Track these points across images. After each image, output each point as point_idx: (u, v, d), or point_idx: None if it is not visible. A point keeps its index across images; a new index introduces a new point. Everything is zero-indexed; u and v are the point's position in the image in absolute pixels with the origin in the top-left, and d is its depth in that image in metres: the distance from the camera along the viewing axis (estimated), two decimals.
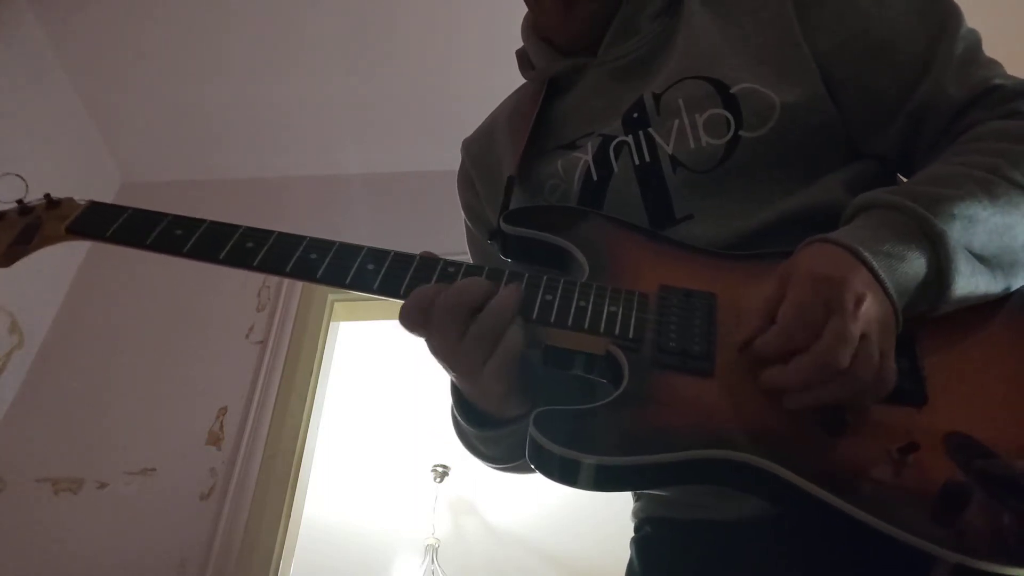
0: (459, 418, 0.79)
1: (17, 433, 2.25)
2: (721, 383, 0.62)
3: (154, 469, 2.16)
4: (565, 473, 0.58)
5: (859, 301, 0.57)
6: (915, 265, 0.61)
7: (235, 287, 2.46)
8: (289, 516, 2.12)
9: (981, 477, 0.53)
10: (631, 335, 0.65)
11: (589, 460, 0.56)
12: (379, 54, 2.55)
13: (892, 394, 0.59)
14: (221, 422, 2.23)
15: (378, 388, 3.38)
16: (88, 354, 2.40)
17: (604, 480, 0.58)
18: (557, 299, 0.67)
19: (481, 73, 2.48)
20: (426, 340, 0.68)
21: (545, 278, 0.69)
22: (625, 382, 0.62)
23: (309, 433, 2.26)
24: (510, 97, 1.02)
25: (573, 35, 0.90)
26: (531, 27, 0.97)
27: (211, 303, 2.43)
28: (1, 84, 2.33)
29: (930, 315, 0.63)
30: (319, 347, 2.40)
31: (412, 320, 0.67)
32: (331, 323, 2.49)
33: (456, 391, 0.78)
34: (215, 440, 2.20)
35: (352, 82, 2.62)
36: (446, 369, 0.71)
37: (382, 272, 0.70)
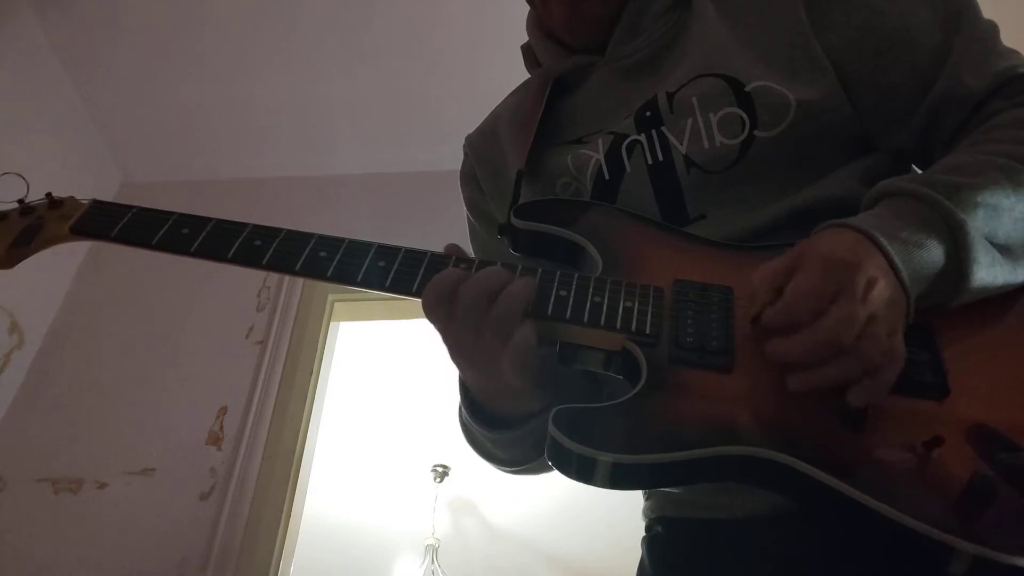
0: (470, 422, 0.78)
1: (17, 433, 2.24)
2: (740, 378, 0.61)
3: (154, 469, 2.16)
4: (582, 471, 0.57)
5: (870, 285, 0.56)
6: (933, 254, 0.60)
7: (235, 287, 2.46)
8: (289, 516, 2.12)
9: (1006, 470, 0.53)
10: (648, 331, 0.64)
11: (605, 458, 0.56)
12: (379, 54, 2.55)
13: (914, 387, 0.59)
14: (221, 422, 2.23)
15: (378, 388, 3.38)
16: (88, 354, 2.40)
17: (620, 478, 0.57)
18: (572, 295, 0.66)
19: (481, 73, 2.49)
20: (443, 332, 0.67)
21: (559, 273, 0.68)
22: (643, 379, 0.62)
23: (309, 433, 2.26)
24: (513, 94, 1.01)
25: (579, 34, 0.89)
26: (536, 23, 0.96)
27: (211, 303, 2.43)
28: (1, 84, 2.33)
29: (948, 305, 0.63)
30: (319, 347, 2.40)
31: (435, 309, 0.65)
32: (331, 323, 2.49)
33: (466, 394, 0.77)
34: (215, 440, 2.20)
35: (352, 82, 2.62)
36: (461, 364, 0.70)
37: (393, 269, 0.68)
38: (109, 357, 2.39)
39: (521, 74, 1.02)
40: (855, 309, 0.55)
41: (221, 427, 2.22)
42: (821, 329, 0.55)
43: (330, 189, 2.78)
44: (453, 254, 0.70)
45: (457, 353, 0.68)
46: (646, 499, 0.85)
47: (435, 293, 0.65)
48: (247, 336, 2.40)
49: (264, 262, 0.70)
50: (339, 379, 2.69)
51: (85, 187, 2.67)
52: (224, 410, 2.25)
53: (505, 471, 0.84)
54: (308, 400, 2.29)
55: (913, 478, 0.55)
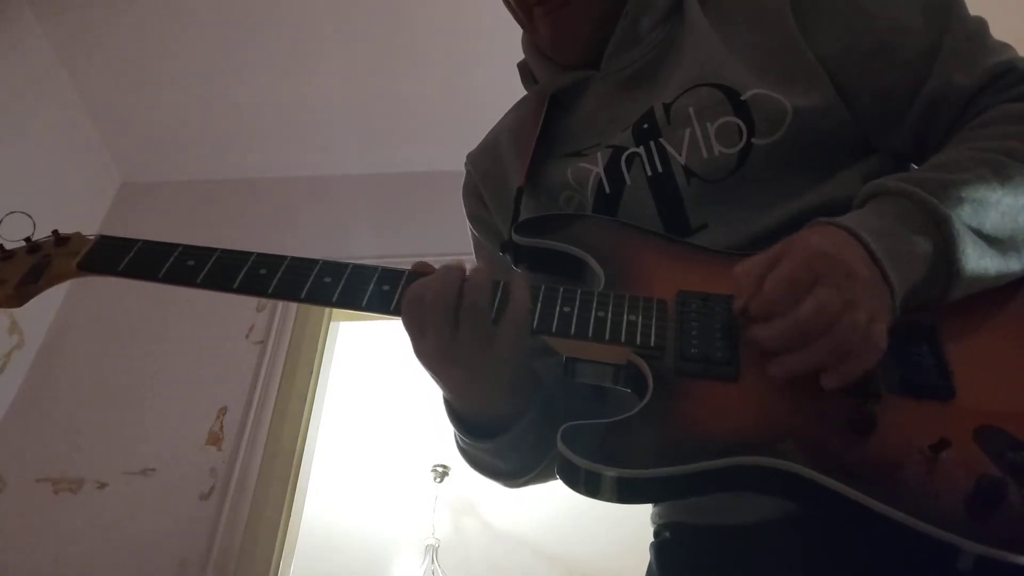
0: (463, 440, 0.78)
1: (17, 433, 2.24)
2: (746, 387, 0.62)
3: (154, 469, 2.16)
4: (589, 487, 0.58)
5: (850, 275, 0.57)
6: (920, 249, 0.61)
7: None
8: (289, 516, 2.12)
9: (1014, 470, 0.53)
10: (652, 343, 0.65)
11: (611, 473, 0.56)
12: (379, 55, 2.55)
13: (921, 389, 0.59)
14: (221, 422, 2.23)
15: (378, 388, 3.38)
16: (88, 354, 2.40)
17: (627, 493, 0.57)
18: (575, 310, 0.67)
19: (475, 75, 2.49)
20: (420, 337, 0.67)
21: (562, 289, 0.68)
22: (649, 392, 0.62)
23: (309, 433, 2.26)
24: (511, 111, 1.02)
25: (564, 52, 0.90)
26: (530, 42, 0.97)
27: (211, 303, 2.43)
28: (2, 84, 2.33)
29: (944, 300, 0.63)
30: (319, 347, 2.40)
31: (410, 313, 0.67)
32: (331, 323, 2.49)
33: (452, 412, 0.77)
34: (215, 440, 2.20)
35: (352, 82, 2.62)
36: (442, 369, 0.70)
37: (397, 294, 0.69)
38: (109, 357, 2.39)
39: (515, 76, 1.03)
40: (832, 296, 0.56)
41: (221, 427, 2.22)
42: (798, 314, 0.56)
43: (329, 189, 2.78)
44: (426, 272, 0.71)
45: (437, 357, 0.68)
46: (654, 504, 0.85)
47: (409, 298, 0.67)
48: (247, 336, 2.40)
49: (269, 291, 0.71)
50: (339, 379, 2.69)
51: (85, 187, 2.68)
52: (224, 410, 2.25)
53: (513, 484, 0.84)
54: (308, 400, 2.30)
55: (922, 481, 0.55)
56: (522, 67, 1.01)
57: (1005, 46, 0.74)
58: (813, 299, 0.56)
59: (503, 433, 0.74)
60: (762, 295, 0.59)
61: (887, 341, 0.58)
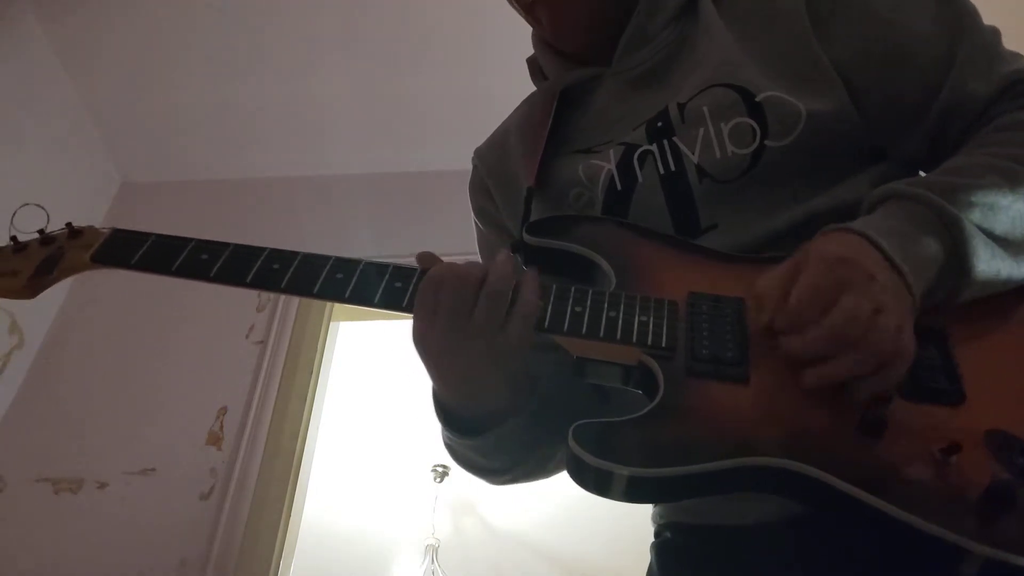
0: (448, 435, 0.77)
1: (17, 433, 2.24)
2: (756, 388, 0.62)
3: (154, 469, 2.16)
4: (599, 484, 0.58)
5: (871, 278, 0.58)
6: (931, 250, 0.61)
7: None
8: (289, 516, 2.12)
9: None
10: (664, 344, 0.65)
11: (621, 471, 0.56)
12: (381, 54, 2.55)
13: (931, 394, 0.60)
14: (221, 422, 2.23)
15: (378, 388, 3.38)
16: (88, 354, 2.40)
17: (637, 492, 0.57)
18: (587, 310, 0.67)
19: (477, 74, 2.49)
20: (430, 324, 0.66)
21: (573, 289, 0.69)
22: (661, 392, 0.62)
23: (309, 433, 2.26)
24: (521, 106, 1.02)
25: (567, 39, 0.90)
26: (540, 37, 0.97)
27: (211, 303, 2.43)
28: (3, 85, 2.33)
29: (952, 303, 0.63)
30: (319, 347, 2.40)
31: (426, 298, 0.66)
32: (331, 323, 2.49)
33: (440, 406, 0.76)
34: (215, 440, 2.20)
35: (350, 82, 2.62)
36: (442, 358, 0.69)
37: (410, 290, 0.69)
38: (109, 357, 2.39)
39: (519, 74, 1.03)
40: (860, 301, 0.56)
41: (221, 427, 2.22)
42: (830, 322, 0.57)
43: (329, 189, 2.78)
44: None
45: (442, 343, 0.67)
46: (655, 504, 0.85)
47: (427, 281, 0.67)
48: (247, 336, 2.40)
49: (283, 286, 0.71)
50: (339, 379, 2.69)
51: (85, 187, 2.68)
52: (224, 410, 2.25)
53: (499, 482, 0.83)
54: (308, 400, 2.30)
55: (932, 485, 0.55)
56: (531, 62, 1.01)
57: (1017, 55, 0.75)
58: (843, 306, 0.57)
59: (489, 431, 0.74)
60: (789, 307, 0.59)
61: (915, 345, 0.58)
